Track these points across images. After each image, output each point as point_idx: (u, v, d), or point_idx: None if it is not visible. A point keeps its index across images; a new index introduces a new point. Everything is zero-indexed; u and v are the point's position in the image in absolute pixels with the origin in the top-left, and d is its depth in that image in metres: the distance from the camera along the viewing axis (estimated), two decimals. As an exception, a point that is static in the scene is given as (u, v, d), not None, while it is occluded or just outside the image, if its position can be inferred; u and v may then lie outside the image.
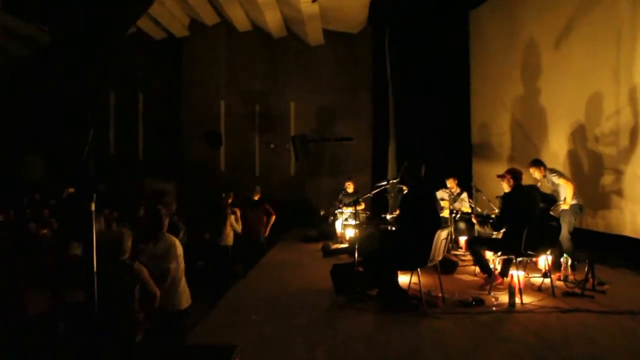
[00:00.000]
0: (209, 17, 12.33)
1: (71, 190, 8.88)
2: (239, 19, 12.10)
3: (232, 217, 7.19)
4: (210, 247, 7.15)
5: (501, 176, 5.44)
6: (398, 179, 5.16)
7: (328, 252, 7.74)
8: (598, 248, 6.71)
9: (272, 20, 11.52)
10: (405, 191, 5.17)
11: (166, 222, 4.54)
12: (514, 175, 5.25)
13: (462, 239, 7.29)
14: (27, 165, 13.13)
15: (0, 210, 7.18)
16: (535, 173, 6.27)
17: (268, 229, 8.18)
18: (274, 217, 8.19)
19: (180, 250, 4.48)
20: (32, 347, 3.74)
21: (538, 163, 6.31)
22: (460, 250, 7.29)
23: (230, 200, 7.53)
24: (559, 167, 7.01)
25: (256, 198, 8.20)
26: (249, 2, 10.90)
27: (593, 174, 7.31)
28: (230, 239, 7.17)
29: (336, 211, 8.80)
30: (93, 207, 1.89)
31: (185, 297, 4.35)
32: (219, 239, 7.06)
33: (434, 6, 10.23)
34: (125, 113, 13.14)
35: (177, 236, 4.86)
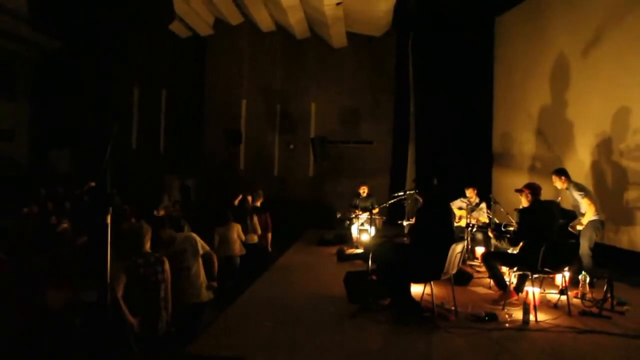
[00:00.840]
0: (234, 17, 12.43)
1: (93, 184, 9.07)
2: (263, 20, 12.16)
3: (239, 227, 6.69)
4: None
5: (519, 191, 5.35)
6: (415, 190, 5.13)
7: (343, 257, 7.73)
8: (621, 265, 6.55)
9: (296, 21, 11.56)
10: (421, 202, 5.15)
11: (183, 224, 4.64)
12: (533, 190, 5.16)
13: (479, 250, 7.22)
14: (52, 158, 13.46)
15: (25, 204, 7.36)
16: (557, 182, 6.16)
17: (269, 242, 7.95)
18: (270, 234, 7.92)
19: (199, 243, 4.59)
20: (52, 342, 3.83)
21: (561, 172, 6.19)
22: (476, 261, 7.20)
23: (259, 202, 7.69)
24: (582, 180, 6.87)
25: (258, 204, 8.03)
26: (273, 3, 10.95)
27: (617, 189, 7.14)
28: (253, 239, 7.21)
29: (352, 216, 8.79)
30: (109, 220, 1.93)
31: (204, 291, 4.48)
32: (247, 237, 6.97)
33: (458, 12, 10.12)
34: (148, 109, 13.35)
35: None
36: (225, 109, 12.91)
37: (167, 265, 3.72)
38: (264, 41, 12.88)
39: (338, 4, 9.84)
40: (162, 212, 7.45)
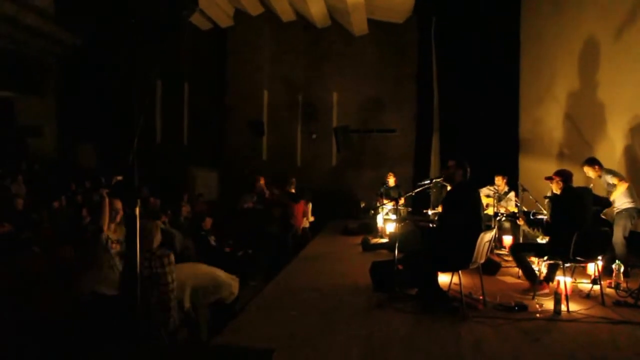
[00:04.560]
0: (254, 8, 12.41)
1: (119, 178, 9.22)
2: (283, 9, 12.10)
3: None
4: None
5: (549, 178, 5.20)
6: (442, 178, 5.03)
7: (368, 247, 7.70)
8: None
9: (316, 10, 11.46)
10: (449, 189, 5.05)
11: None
12: (564, 176, 5.00)
13: (506, 239, 7.08)
14: (79, 152, 13.75)
15: (54, 198, 7.54)
16: (590, 172, 5.98)
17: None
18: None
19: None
20: (81, 333, 3.90)
21: (593, 162, 6.01)
22: (503, 249, 7.08)
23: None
24: (615, 166, 6.64)
25: (293, 191, 8.43)
26: (293, -8, 10.88)
27: (652, 175, 6.89)
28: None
29: (377, 205, 8.72)
30: (137, 212, 1.93)
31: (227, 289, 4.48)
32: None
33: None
34: (171, 102, 13.49)
35: (172, 243, 4.94)
36: (247, 100, 12.95)
37: (169, 260, 3.64)
38: (285, 31, 12.83)
39: (359, -10, 9.71)
40: (185, 210, 7.49)
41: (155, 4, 1.87)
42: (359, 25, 12.01)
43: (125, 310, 2.64)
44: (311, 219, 9.25)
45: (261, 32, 12.90)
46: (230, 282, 4.61)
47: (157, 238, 3.67)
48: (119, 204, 3.70)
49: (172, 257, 3.62)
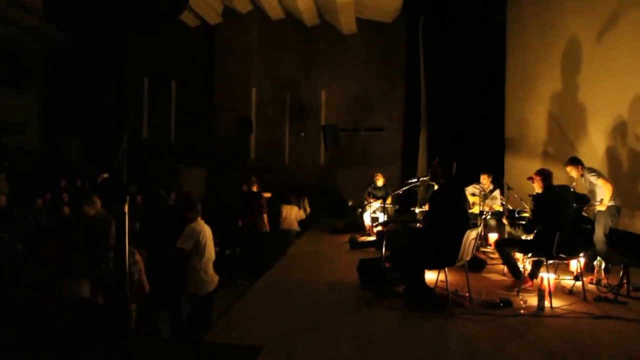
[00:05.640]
0: (242, 5, 12.37)
1: (105, 175, 9.15)
2: (272, 7, 12.08)
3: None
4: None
5: (530, 178, 5.29)
6: (429, 177, 5.09)
7: (355, 245, 7.74)
8: (636, 251, 6.47)
9: (305, 8, 11.46)
10: (435, 188, 5.11)
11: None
12: (544, 176, 5.09)
13: (492, 237, 7.18)
14: (65, 148, 13.57)
15: (39, 195, 7.45)
16: (573, 172, 6.09)
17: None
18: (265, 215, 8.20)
19: (204, 235, 4.59)
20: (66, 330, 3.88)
21: (575, 161, 6.12)
22: (489, 247, 7.18)
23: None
24: (597, 165, 6.78)
25: (255, 189, 8.24)
26: (282, -10, 10.87)
27: (632, 173, 7.03)
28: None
29: (364, 203, 8.77)
30: (126, 209, 1.94)
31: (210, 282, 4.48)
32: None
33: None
34: (158, 98, 13.38)
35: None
36: (236, 97, 12.91)
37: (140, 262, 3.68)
38: (274, 29, 12.81)
39: (347, -11, 9.74)
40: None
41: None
42: (347, 24, 12.05)
43: (112, 312, 2.63)
44: (302, 216, 9.21)
45: (250, 30, 12.86)
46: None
47: (113, 231, 3.65)
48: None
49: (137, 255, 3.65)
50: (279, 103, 12.95)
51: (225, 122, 12.83)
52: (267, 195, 8.60)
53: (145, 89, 13.30)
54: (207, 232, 4.77)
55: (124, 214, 1.97)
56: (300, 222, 9.21)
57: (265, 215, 7.98)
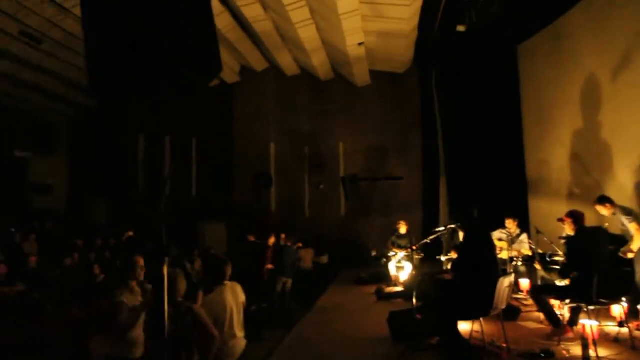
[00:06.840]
0: (258, 63, 12.82)
1: (130, 234, 9.24)
2: (287, 64, 12.50)
3: None
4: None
5: (561, 220, 5.17)
6: (457, 224, 5.02)
7: (382, 296, 7.56)
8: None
9: (320, 63, 11.83)
10: (461, 235, 5.03)
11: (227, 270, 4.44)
12: (575, 218, 4.97)
13: (523, 283, 6.95)
14: (91, 208, 13.83)
15: (66, 255, 7.52)
16: (603, 210, 5.93)
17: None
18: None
19: (237, 298, 4.45)
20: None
21: (604, 200, 5.97)
22: (521, 294, 6.93)
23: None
24: (627, 202, 6.60)
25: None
26: (296, 48, 11.26)
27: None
28: None
29: (389, 253, 8.63)
30: (165, 271, 1.94)
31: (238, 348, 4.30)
32: None
33: (480, 43, 10.16)
34: (180, 156, 13.68)
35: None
36: (254, 153, 13.11)
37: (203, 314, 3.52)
38: (289, 85, 13.19)
39: (360, 44, 10.04)
40: (197, 264, 7.40)
41: (180, 68, 1.94)
42: (361, 77, 12.36)
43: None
44: (307, 263, 9.66)
45: (266, 87, 13.26)
46: None
47: (182, 287, 3.55)
48: (140, 261, 3.61)
49: (199, 309, 3.51)
50: (298, 156, 13.12)
51: (245, 177, 12.97)
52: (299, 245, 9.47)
53: (167, 147, 13.66)
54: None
55: (163, 276, 1.97)
56: (323, 274, 9.42)
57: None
